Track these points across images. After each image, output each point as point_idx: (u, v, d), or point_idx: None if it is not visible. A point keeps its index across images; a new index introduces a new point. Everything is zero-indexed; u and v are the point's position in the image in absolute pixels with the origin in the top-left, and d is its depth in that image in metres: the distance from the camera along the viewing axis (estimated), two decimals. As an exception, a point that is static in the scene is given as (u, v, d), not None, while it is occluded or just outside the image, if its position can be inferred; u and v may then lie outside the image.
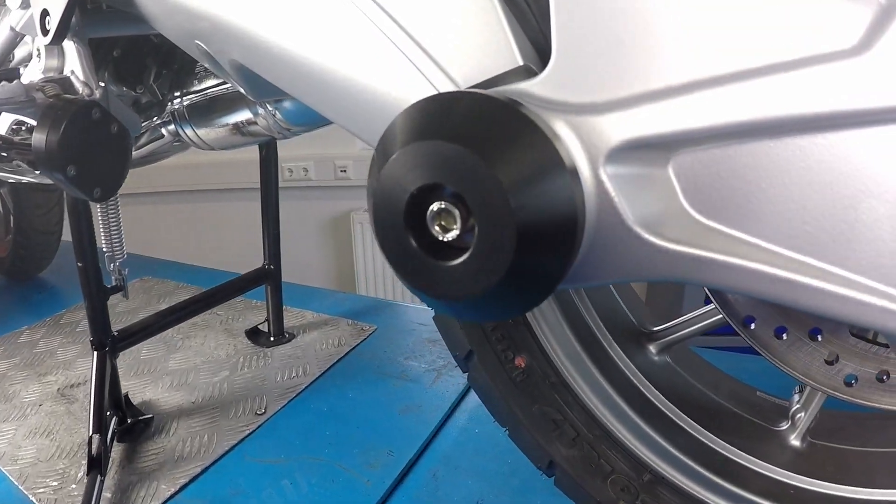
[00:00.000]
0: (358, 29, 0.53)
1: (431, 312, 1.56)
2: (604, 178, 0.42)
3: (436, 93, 0.49)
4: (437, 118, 0.43)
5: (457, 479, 1.05)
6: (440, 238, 0.44)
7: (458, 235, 0.43)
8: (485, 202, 0.41)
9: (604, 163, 0.43)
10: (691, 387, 0.84)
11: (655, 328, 0.85)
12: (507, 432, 0.81)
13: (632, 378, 0.80)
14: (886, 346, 0.64)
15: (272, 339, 1.48)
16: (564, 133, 0.44)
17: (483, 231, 0.42)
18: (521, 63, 0.48)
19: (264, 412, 1.20)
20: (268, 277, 1.42)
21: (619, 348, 0.80)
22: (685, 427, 0.79)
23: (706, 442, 0.78)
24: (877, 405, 0.66)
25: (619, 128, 0.43)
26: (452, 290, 0.44)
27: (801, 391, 0.80)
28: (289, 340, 1.48)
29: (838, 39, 0.40)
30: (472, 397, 1.21)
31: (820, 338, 0.66)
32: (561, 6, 0.45)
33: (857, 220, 0.43)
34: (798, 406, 0.78)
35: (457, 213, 0.43)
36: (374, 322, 1.57)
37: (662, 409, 0.79)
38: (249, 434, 1.15)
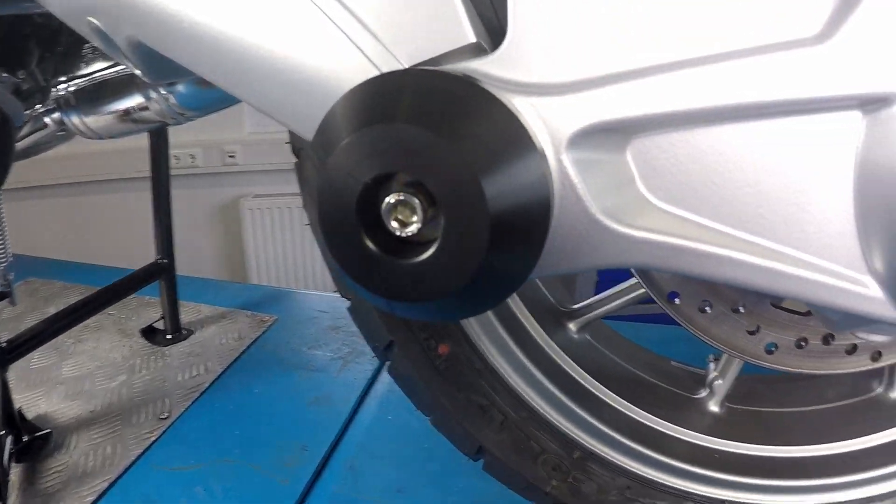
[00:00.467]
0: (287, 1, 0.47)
1: (331, 299, 1.50)
2: (566, 162, 0.39)
3: (380, 73, 0.44)
4: (390, 99, 0.37)
5: (375, 468, 1.02)
6: (398, 234, 0.38)
7: (419, 229, 0.38)
8: (453, 190, 0.36)
9: (566, 146, 0.39)
10: (611, 361, 0.83)
11: (574, 306, 0.84)
12: (431, 420, 0.78)
13: (555, 357, 0.78)
14: (805, 314, 0.65)
15: (169, 336, 1.38)
16: (527, 113, 0.40)
17: (451, 222, 0.37)
18: (473, 40, 0.43)
19: (168, 416, 1.11)
20: (161, 272, 1.32)
21: (540, 329, 0.78)
22: (609, 402, 0.78)
23: (630, 414, 0.77)
24: (796, 369, 0.67)
25: (583, 110, 0.40)
26: (418, 290, 0.39)
27: (716, 360, 0.81)
28: (186, 337, 1.39)
29: (801, 27, 0.39)
30: (381, 384, 1.17)
31: (742, 310, 0.66)
32: None
33: (809, 203, 0.42)
34: (715, 374, 0.79)
35: (417, 204, 0.37)
36: (274, 312, 1.49)
37: (586, 385, 0.78)
38: (155, 441, 1.06)
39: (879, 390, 0.73)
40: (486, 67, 0.42)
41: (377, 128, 0.36)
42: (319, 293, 1.58)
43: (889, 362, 0.65)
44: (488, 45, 0.43)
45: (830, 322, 0.59)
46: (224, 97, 1.02)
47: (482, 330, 0.74)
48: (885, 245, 0.43)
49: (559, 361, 0.78)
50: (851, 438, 0.70)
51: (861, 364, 0.65)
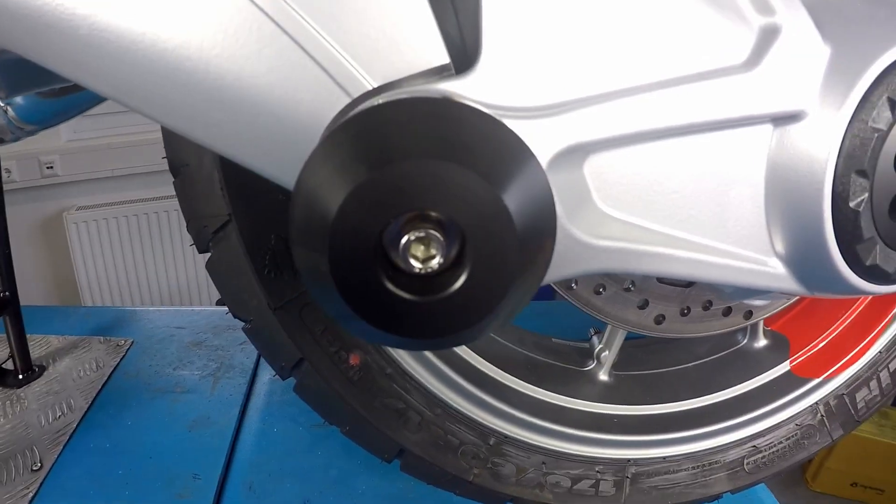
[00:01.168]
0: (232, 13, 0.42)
1: (186, 314, 1.40)
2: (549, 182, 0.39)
3: (352, 98, 0.42)
4: (402, 131, 0.34)
5: (274, 485, 0.97)
6: (417, 271, 0.35)
7: (441, 264, 0.35)
8: (485, 224, 0.34)
9: (548, 166, 0.40)
10: (505, 347, 0.86)
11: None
12: (346, 431, 0.76)
13: (457, 351, 0.79)
14: (687, 286, 0.71)
15: (21, 376, 1.21)
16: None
17: (482, 254, 0.35)
18: (447, 60, 0.42)
19: (41, 466, 0.98)
20: (5, 307, 1.15)
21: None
22: (512, 385, 0.81)
23: (532, 394, 0.81)
24: (682, 335, 0.73)
25: (562, 132, 0.42)
26: (452, 322, 0.37)
27: (598, 333, 0.86)
28: (40, 374, 1.22)
29: (730, 56, 0.45)
30: (258, 397, 1.11)
31: (632, 287, 0.71)
32: (500, 9, 0.42)
33: (729, 202, 0.49)
34: (601, 346, 0.84)
35: (438, 238, 0.35)
36: (128, 334, 1.36)
37: (490, 373, 0.80)
38: (33, 497, 0.93)
39: (744, 342, 0.82)
40: (462, 90, 0.42)
41: (397, 166, 0.33)
42: (171, 309, 1.47)
43: (758, 318, 0.74)
44: (452, 66, 0.42)
45: (722, 293, 0.66)
46: (66, 109, 0.91)
47: (390, 335, 0.73)
48: (785, 231, 0.50)
49: (462, 354, 0.79)
50: (729, 387, 0.79)
51: (736, 323, 0.73)
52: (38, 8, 0.41)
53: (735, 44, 0.45)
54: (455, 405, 0.76)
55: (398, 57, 0.43)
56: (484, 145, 0.35)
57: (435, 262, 0.36)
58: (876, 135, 0.45)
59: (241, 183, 0.66)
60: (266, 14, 0.42)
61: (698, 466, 0.77)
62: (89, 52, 0.42)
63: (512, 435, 0.77)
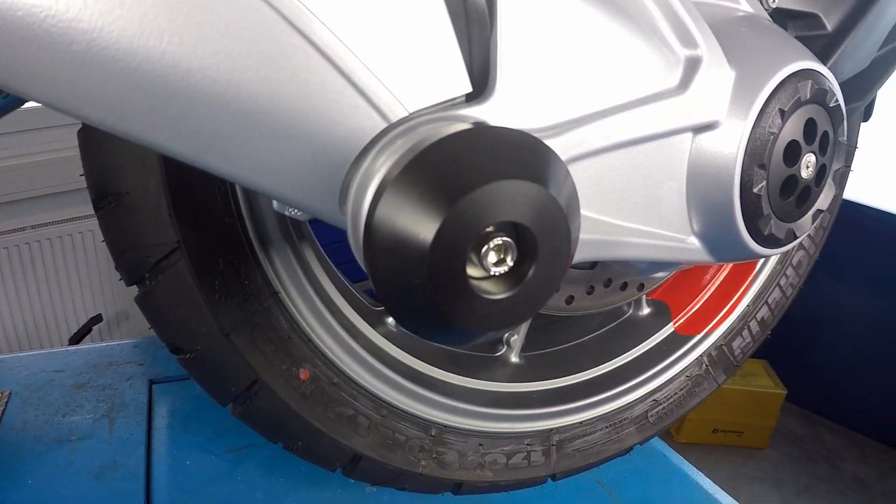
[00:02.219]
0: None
1: (60, 356, 1.27)
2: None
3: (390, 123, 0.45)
4: (492, 156, 0.39)
5: (207, 519, 0.92)
6: (491, 273, 0.41)
7: (512, 265, 0.41)
8: (551, 228, 0.41)
9: None
10: (425, 343, 0.91)
11: (379, 307, 0.89)
12: (299, 448, 0.76)
13: (390, 351, 0.82)
14: (590, 267, 0.81)
15: None
16: None
17: (545, 257, 0.41)
18: (470, 90, 0.46)
19: None
20: None
21: (373, 330, 0.81)
22: (441, 377, 0.86)
23: (460, 383, 0.86)
24: (589, 310, 0.84)
25: (565, 147, 0.50)
26: (502, 320, 0.43)
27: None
28: None
29: (668, 82, 0.56)
30: (159, 431, 1.04)
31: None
32: (507, 40, 0.48)
33: (662, 195, 0.59)
34: (510, 331, 0.92)
35: (512, 244, 0.40)
36: (2, 385, 1.18)
37: (420, 369, 0.84)
38: None
39: (630, 312, 0.95)
40: (483, 115, 0.47)
41: (480, 189, 0.38)
42: (42, 352, 1.29)
43: (649, 289, 0.86)
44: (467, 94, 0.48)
45: (634, 270, 0.77)
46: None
47: (335, 343, 0.75)
48: (702, 214, 0.61)
49: (394, 354, 0.83)
50: (625, 352, 0.91)
51: (632, 295, 0.85)
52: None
53: (671, 73, 0.56)
54: (398, 403, 0.79)
55: (428, 84, 0.47)
56: (540, 162, 0.41)
57: (506, 266, 0.41)
58: (771, 137, 0.57)
59: (191, 208, 0.64)
60: (303, 35, 0.43)
61: (611, 425, 0.88)
62: (83, 72, 0.39)
63: (450, 423, 0.82)
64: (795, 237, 0.61)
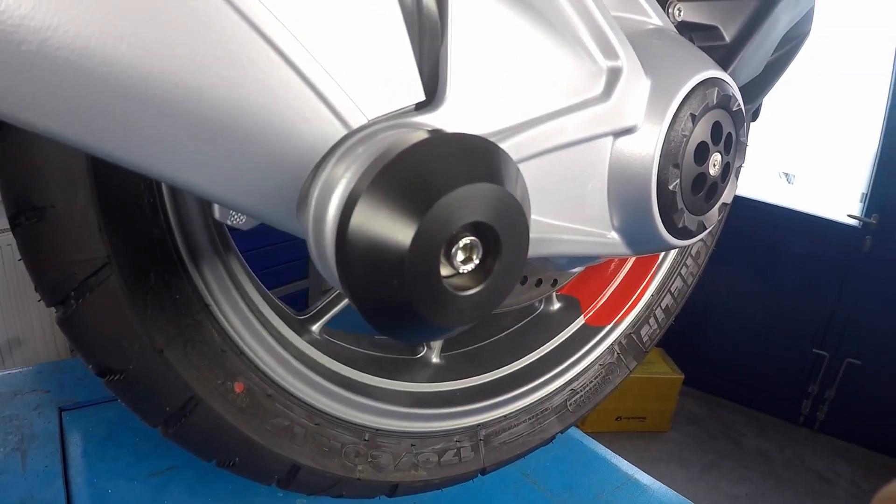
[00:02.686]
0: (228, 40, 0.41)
1: None
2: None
3: (350, 129, 0.46)
4: (460, 161, 0.41)
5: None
6: (460, 271, 0.43)
7: (478, 262, 0.43)
8: (512, 226, 0.44)
9: None
10: (349, 350, 0.90)
11: (302, 316, 0.88)
12: (236, 464, 0.73)
13: (319, 359, 0.82)
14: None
15: None
16: None
17: (509, 248, 0.44)
18: (423, 98, 0.48)
19: None
20: None
21: (301, 339, 0.80)
22: (369, 382, 0.86)
23: (386, 386, 0.87)
24: (511, 307, 0.87)
25: (512, 152, 0.51)
26: (473, 314, 0.45)
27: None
28: None
29: (594, 91, 0.60)
30: (77, 461, 0.95)
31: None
32: (457, 51, 0.50)
33: (588, 194, 0.63)
34: (432, 332, 0.94)
35: (479, 243, 0.43)
36: None
37: (348, 375, 0.84)
38: None
39: (541, 308, 0.99)
40: (435, 122, 0.49)
41: (464, 188, 0.39)
42: None
43: (561, 285, 0.91)
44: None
45: (547, 267, 0.81)
46: None
47: (267, 354, 0.74)
48: (622, 211, 0.65)
49: (323, 362, 0.82)
50: (540, 346, 0.95)
51: (546, 291, 0.89)
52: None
53: (595, 82, 0.60)
54: (330, 410, 0.79)
55: (384, 92, 0.48)
56: (499, 164, 0.44)
57: (472, 264, 0.44)
58: (684, 139, 0.63)
59: (120, 221, 0.61)
60: (268, 41, 0.43)
61: (533, 416, 0.91)
62: (31, 74, 0.37)
63: (381, 427, 0.83)
64: (705, 228, 0.68)
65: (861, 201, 3.72)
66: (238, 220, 0.58)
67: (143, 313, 0.63)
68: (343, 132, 0.47)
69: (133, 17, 0.39)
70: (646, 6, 0.66)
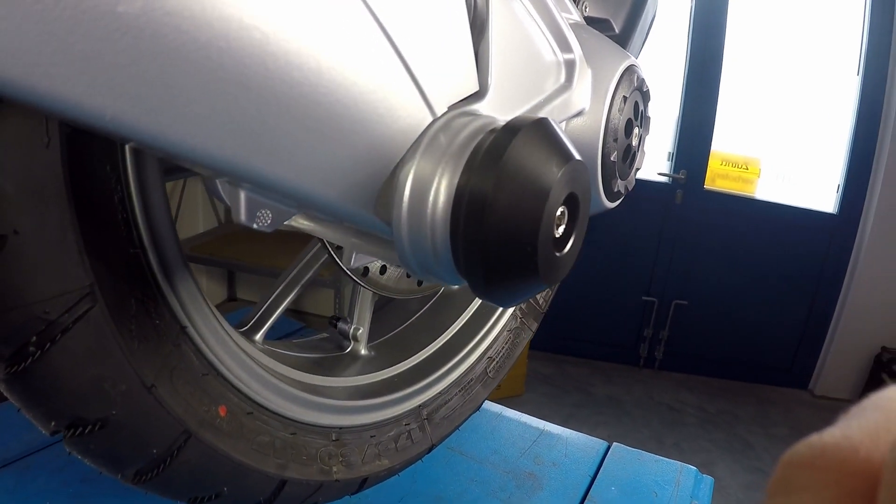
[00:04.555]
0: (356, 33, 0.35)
1: None
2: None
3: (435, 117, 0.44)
4: (561, 142, 0.44)
5: None
6: (556, 236, 0.45)
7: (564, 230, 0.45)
8: (586, 200, 0.47)
9: None
10: (291, 355, 0.82)
11: (243, 327, 0.79)
12: (227, 492, 0.64)
13: (278, 370, 0.74)
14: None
15: None
16: None
17: (581, 220, 0.47)
18: (477, 88, 0.48)
19: None
20: None
21: (259, 351, 0.72)
22: (318, 383, 0.79)
23: (334, 385, 0.81)
24: (422, 293, 0.87)
25: None
26: (562, 274, 0.48)
27: (339, 319, 0.91)
28: None
29: (560, 81, 0.64)
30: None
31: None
32: (496, 44, 0.51)
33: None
34: (355, 325, 0.89)
35: (567, 211, 0.45)
36: None
37: (304, 380, 0.77)
38: None
39: (443, 287, 1.00)
40: (486, 110, 0.49)
41: (574, 162, 0.43)
42: None
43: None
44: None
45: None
46: None
47: (244, 372, 0.65)
48: None
49: (279, 370, 0.74)
50: (453, 322, 0.95)
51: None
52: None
53: (560, 73, 0.63)
54: (301, 417, 0.72)
55: (454, 82, 0.47)
56: (570, 144, 0.47)
57: (562, 230, 0.47)
58: (619, 117, 0.70)
59: (100, 242, 0.50)
60: (381, 27, 0.40)
61: (462, 388, 0.92)
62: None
63: (343, 424, 0.78)
64: (628, 191, 0.76)
65: (668, 160, 3.89)
66: (264, 222, 0.51)
67: (130, 346, 0.52)
68: (430, 119, 0.45)
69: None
70: (568, 3, 0.72)
